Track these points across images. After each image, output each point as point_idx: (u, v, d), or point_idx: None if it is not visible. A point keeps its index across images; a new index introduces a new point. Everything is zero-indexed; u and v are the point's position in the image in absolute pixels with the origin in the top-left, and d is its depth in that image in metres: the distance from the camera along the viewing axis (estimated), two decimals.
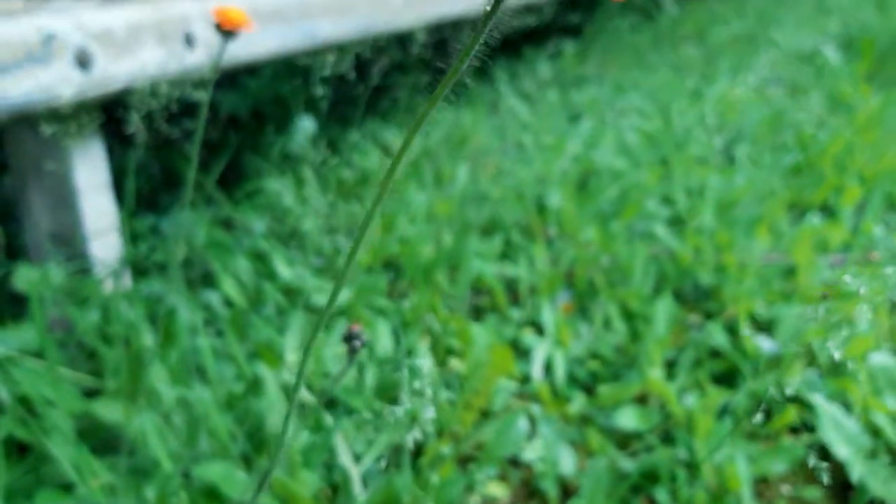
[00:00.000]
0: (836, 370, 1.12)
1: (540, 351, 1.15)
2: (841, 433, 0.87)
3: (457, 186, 1.83)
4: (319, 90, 1.94)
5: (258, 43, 1.80)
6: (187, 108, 1.46)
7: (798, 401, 1.06)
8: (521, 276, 1.35)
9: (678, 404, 1.04)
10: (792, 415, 1.00)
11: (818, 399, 0.92)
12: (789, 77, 2.51)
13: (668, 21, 3.50)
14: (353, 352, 0.53)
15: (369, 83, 2.48)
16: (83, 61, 1.30)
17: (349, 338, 0.53)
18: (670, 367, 1.16)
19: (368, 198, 1.82)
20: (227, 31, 0.71)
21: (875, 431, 0.98)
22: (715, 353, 1.18)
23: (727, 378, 1.14)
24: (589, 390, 1.14)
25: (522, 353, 1.21)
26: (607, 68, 2.99)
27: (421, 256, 1.43)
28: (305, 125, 1.76)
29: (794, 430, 1.05)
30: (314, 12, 1.97)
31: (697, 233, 1.44)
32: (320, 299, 1.35)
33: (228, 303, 1.41)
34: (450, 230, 1.62)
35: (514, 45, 3.22)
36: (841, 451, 0.87)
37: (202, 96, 1.35)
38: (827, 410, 0.89)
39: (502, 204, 1.67)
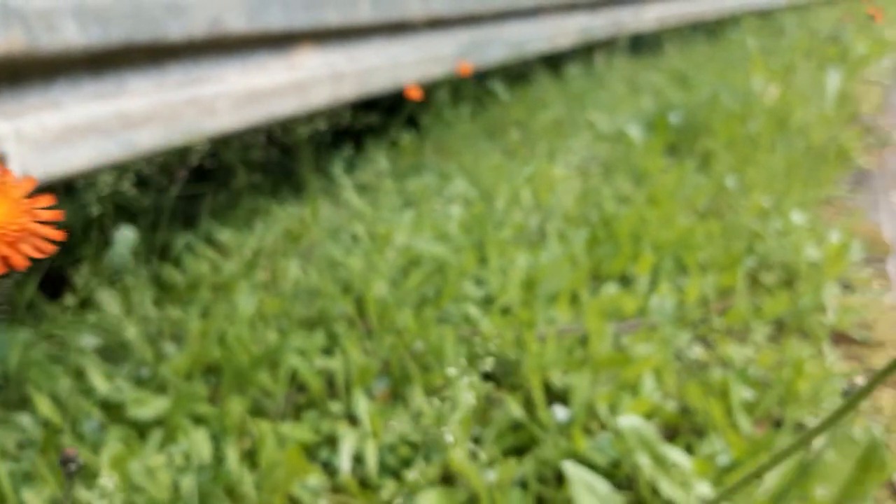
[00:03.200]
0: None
1: (347, 444, 1.19)
2: (593, 496, 0.95)
3: (287, 283, 1.87)
4: (139, 195, 1.96)
5: (74, 157, 1.81)
6: None
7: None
8: (338, 369, 1.39)
9: (480, 480, 1.10)
10: None
11: (569, 466, 1.00)
12: (603, 156, 2.72)
13: (499, 108, 3.71)
14: (69, 475, 0.56)
15: (175, 186, 2.51)
16: None
17: (64, 461, 0.55)
18: (477, 443, 1.22)
19: (197, 302, 1.84)
20: None
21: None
22: (516, 426, 1.25)
23: (528, 448, 1.21)
24: (399, 476, 1.19)
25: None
26: (442, 156, 3.14)
27: (241, 359, 1.45)
28: (126, 235, 1.76)
29: None
30: (134, 123, 2.00)
31: (504, 311, 1.53)
32: (139, 412, 1.35)
33: (46, 423, 1.38)
34: (278, 328, 1.65)
35: (356, 136, 3.33)
36: None
37: None
38: (577, 475, 0.97)
39: (329, 297, 1.72)
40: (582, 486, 0.93)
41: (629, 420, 1.03)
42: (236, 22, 2.36)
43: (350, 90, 2.97)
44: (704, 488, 0.97)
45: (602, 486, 0.95)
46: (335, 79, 2.88)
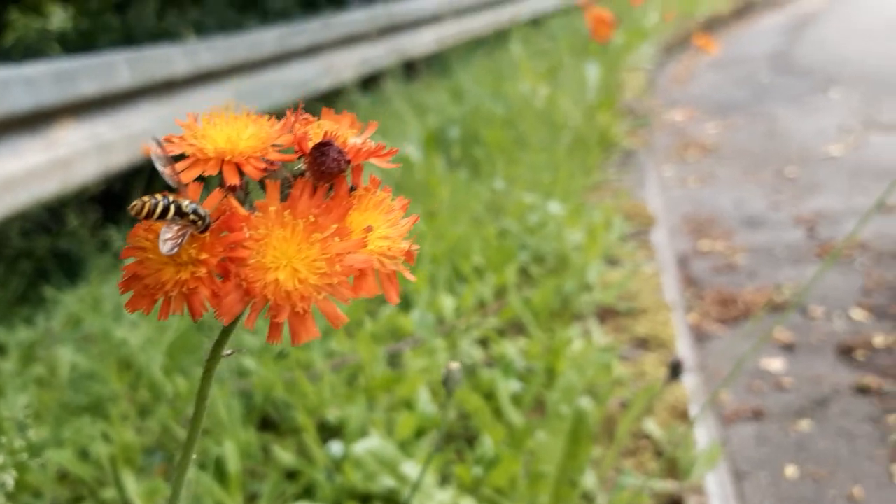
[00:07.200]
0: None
1: None
2: None
3: (64, 372, 1.75)
4: None
5: None
6: None
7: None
8: (101, 453, 1.31)
9: None
10: None
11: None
12: (393, 177, 2.74)
13: None
14: None
15: None
16: None
17: None
18: (252, 501, 1.18)
19: None
20: None
21: None
22: (291, 474, 1.22)
23: (308, 493, 1.18)
24: None
25: None
26: None
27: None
28: None
29: None
30: None
31: (279, 354, 1.50)
32: None
33: None
34: (55, 421, 1.54)
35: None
36: None
37: None
38: None
39: (103, 381, 1.62)
40: None
41: (365, 444, 1.03)
42: None
43: (122, 158, 2.86)
44: (444, 496, 0.97)
45: None
46: (102, 149, 2.76)
